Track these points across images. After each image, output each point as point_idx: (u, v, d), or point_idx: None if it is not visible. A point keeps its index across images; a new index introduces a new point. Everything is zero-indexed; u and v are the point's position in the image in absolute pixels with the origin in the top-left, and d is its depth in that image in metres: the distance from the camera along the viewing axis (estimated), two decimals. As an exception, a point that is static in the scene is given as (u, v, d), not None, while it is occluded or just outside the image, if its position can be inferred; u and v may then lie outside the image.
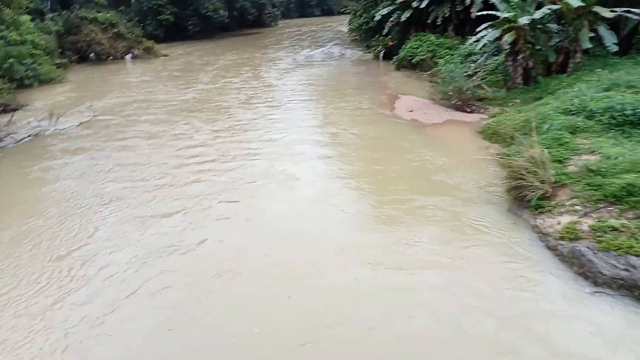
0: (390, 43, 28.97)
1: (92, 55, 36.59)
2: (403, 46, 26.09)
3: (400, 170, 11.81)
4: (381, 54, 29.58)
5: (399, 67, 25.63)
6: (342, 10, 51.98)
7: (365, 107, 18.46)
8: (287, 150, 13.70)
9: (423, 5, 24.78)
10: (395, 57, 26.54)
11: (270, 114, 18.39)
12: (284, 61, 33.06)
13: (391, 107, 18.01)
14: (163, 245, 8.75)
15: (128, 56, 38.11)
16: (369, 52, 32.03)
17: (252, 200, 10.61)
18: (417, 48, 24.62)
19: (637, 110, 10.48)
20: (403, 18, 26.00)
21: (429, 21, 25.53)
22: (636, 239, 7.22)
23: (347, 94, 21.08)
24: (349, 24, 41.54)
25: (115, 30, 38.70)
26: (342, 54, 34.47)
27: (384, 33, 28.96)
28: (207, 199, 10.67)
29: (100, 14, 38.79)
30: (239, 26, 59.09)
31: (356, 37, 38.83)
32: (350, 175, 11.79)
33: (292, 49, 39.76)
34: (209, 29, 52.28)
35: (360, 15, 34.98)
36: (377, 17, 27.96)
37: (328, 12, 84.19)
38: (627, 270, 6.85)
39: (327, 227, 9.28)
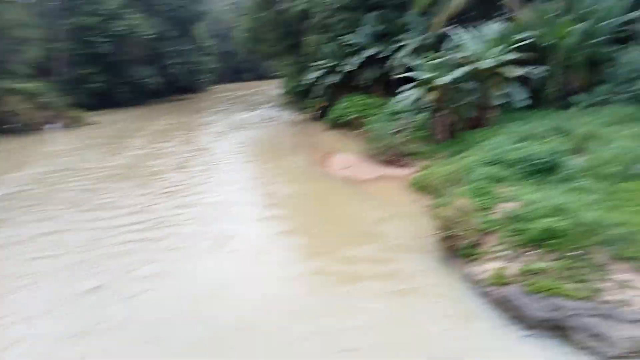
0: (323, 104, 30.04)
1: (13, 125, 34.88)
2: (335, 106, 27.12)
3: (336, 226, 11.99)
4: (314, 115, 30.53)
5: (332, 127, 26.47)
6: (274, 74, 53.64)
7: (301, 166, 18.74)
8: (222, 212, 13.52)
9: (352, 68, 26.15)
10: (328, 117, 27.46)
11: (205, 177, 18.21)
12: (219, 124, 33.26)
13: (326, 165, 18.41)
14: (87, 322, 8.13)
15: (53, 125, 36.69)
16: (303, 114, 32.99)
17: (185, 264, 10.30)
18: (348, 108, 25.64)
19: (548, 159, 11.32)
20: (333, 81, 27.20)
21: (357, 83, 26.87)
22: (559, 281, 7.60)
23: (283, 154, 21.39)
24: (282, 88, 42.87)
25: (40, 100, 37.38)
26: (277, 116, 35.26)
27: (316, 95, 30.06)
28: (133, 267, 10.24)
29: (21, 85, 37.41)
30: (171, 92, 59.10)
31: (290, 100, 39.98)
32: (287, 233, 11.81)
33: (226, 113, 40.18)
34: (140, 96, 51.86)
35: (293, 79, 36.27)
36: (309, 81, 29.08)
37: (261, 76, 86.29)
38: (554, 311, 7.13)
39: (263, 285, 9.22)
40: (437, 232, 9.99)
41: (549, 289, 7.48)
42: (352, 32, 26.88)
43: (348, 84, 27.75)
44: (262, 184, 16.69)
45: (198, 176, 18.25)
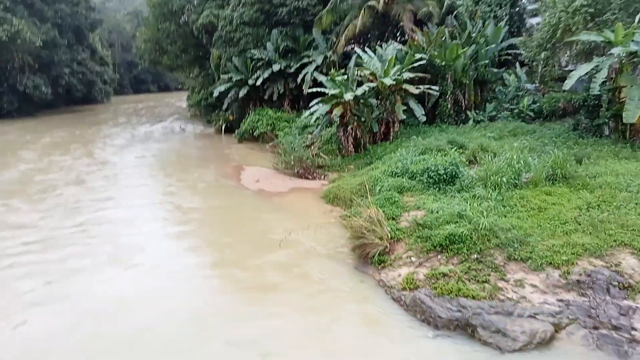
0: (231, 117, 29.70)
1: None
2: (244, 120, 26.94)
3: (249, 238, 11.87)
4: (223, 128, 30.06)
5: (241, 140, 26.24)
6: (180, 87, 52.03)
7: (211, 180, 18.29)
8: (126, 229, 12.74)
9: (259, 82, 26.19)
10: (237, 130, 27.18)
11: (107, 192, 17.01)
12: (121, 137, 31.38)
13: (237, 179, 18.14)
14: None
15: None
16: (211, 127, 32.33)
17: (84, 283, 9.58)
18: (257, 122, 25.61)
19: (447, 170, 12.19)
20: (241, 94, 27.04)
21: (265, 97, 26.98)
22: (463, 282, 8.16)
23: (191, 168, 20.73)
24: (188, 100, 41.67)
25: None
26: (183, 129, 34.12)
27: (223, 108, 29.64)
28: (26, 289, 9.23)
29: None
30: (66, 103, 54.70)
31: (196, 113, 38.99)
32: (198, 247, 11.53)
33: (129, 125, 38.07)
34: (29, 107, 47.22)
35: (199, 92, 35.47)
36: (216, 94, 28.62)
37: (165, 88, 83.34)
38: (459, 311, 7.63)
39: (168, 298, 8.88)
40: (350, 241, 10.27)
41: (454, 290, 8.01)
42: (258, 47, 27.02)
43: (256, 98, 27.76)
44: (170, 198, 15.98)
45: (99, 191, 17.01)
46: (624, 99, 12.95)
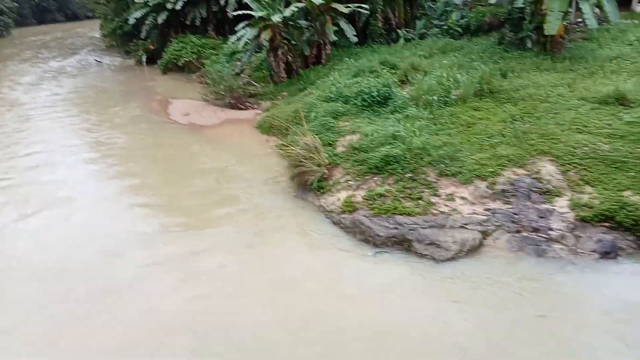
0: (151, 47, 27.66)
1: None
2: (166, 49, 25.21)
3: (183, 173, 11.59)
4: (144, 59, 28.03)
5: (165, 71, 24.71)
6: (91, 14, 47.34)
7: (137, 115, 17.30)
8: (48, 173, 12.00)
9: (178, 6, 24.27)
10: (159, 60, 25.49)
11: (20, 135, 15.68)
12: (31, 73, 28.51)
13: (165, 113, 17.28)
14: None
15: None
16: (130, 58, 30.02)
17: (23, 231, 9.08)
18: (180, 50, 24.06)
19: (380, 91, 12.21)
20: (160, 20, 25.06)
21: (187, 22, 25.18)
22: (399, 201, 8.49)
23: (114, 104, 19.43)
24: (101, 29, 38.15)
25: None
26: (100, 62, 31.47)
27: (142, 37, 27.44)
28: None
29: None
30: (-43, 38, 48.54)
31: (112, 43, 35.90)
32: (133, 188, 11.11)
33: (38, 60, 34.52)
34: None
35: (112, 20, 32.41)
36: (132, 21, 26.29)
37: (73, 17, 75.45)
38: (396, 228, 8.00)
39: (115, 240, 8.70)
40: (288, 170, 10.27)
41: (391, 209, 8.34)
42: (175, -35, 24.76)
43: (178, 24, 25.87)
44: (91, 137, 15.03)
45: (11, 134, 15.64)
46: (545, 11, 13.26)
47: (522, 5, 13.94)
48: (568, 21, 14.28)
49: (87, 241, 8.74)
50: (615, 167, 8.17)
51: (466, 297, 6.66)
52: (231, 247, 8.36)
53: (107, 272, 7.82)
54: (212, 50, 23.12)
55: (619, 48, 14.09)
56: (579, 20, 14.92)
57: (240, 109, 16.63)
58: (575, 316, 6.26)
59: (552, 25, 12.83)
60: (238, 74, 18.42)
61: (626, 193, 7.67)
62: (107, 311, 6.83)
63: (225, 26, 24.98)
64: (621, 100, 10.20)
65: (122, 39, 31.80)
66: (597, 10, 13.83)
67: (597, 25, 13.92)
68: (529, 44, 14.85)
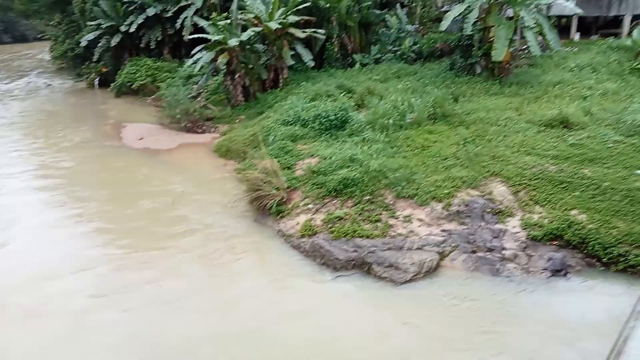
0: (104, 69, 27.00)
1: None
2: (119, 72, 24.67)
3: (136, 198, 11.23)
4: (96, 82, 27.29)
5: (119, 94, 24.12)
6: (40, 36, 45.83)
7: (88, 139, 16.71)
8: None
9: (132, 29, 23.87)
10: (112, 84, 24.88)
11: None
12: (-28, 97, 27.15)
13: (118, 137, 16.80)
14: None
15: None
16: (82, 81, 29.14)
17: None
18: (135, 73, 23.59)
19: (337, 115, 12.37)
20: (113, 43, 24.54)
21: (142, 45, 24.80)
22: (358, 223, 8.52)
23: (63, 127, 18.72)
24: (52, 51, 36.94)
25: None
26: (49, 84, 30.40)
27: (94, 59, 26.75)
28: None
29: None
30: None
31: (63, 66, 34.80)
32: (79, 213, 10.71)
33: (-19, 83, 32.98)
34: None
35: (63, 42, 31.46)
36: (84, 43, 25.61)
37: (22, 39, 72.80)
38: (355, 251, 8.00)
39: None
40: (246, 194, 10.14)
41: (350, 232, 8.35)
42: (129, -12, 24.48)
43: (132, 47, 25.42)
44: (40, 162, 14.38)
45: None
46: (492, 38, 13.93)
47: (470, 33, 14.59)
48: (514, 48, 15.05)
49: (21, 265, 8.45)
50: (562, 187, 8.54)
51: (418, 317, 6.74)
52: (181, 270, 8.18)
53: (38, 295, 7.55)
54: (168, 73, 22.79)
55: (561, 74, 14.92)
56: (524, 47, 15.76)
57: (197, 132, 16.40)
58: (518, 330, 6.41)
59: (499, 52, 13.47)
60: (195, 98, 18.23)
61: (573, 212, 8.01)
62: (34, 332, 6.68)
63: (181, 49, 24.79)
64: (565, 123, 10.76)
65: (74, 61, 30.86)
66: (540, 38, 14.66)
67: (540, 52, 14.75)
68: (478, 70, 15.51)
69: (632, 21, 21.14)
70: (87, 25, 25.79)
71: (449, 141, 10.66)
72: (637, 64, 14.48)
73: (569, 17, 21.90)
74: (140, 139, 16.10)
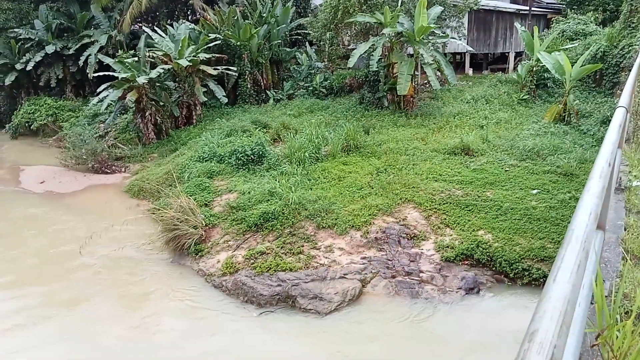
0: (-3, 109, 24.98)
1: None
2: (16, 112, 22.93)
3: (41, 251, 10.26)
4: (-13, 123, 25.09)
5: (15, 136, 22.36)
6: None
7: (-21, 187, 15.19)
8: None
9: (30, 67, 22.43)
10: (8, 125, 23.03)
11: None
12: None
13: (16, 181, 15.48)
14: None
15: None
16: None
17: None
18: (33, 113, 22.06)
19: (254, 150, 12.40)
20: (7, 82, 22.86)
21: (41, 83, 23.34)
22: (280, 257, 8.50)
23: (-52, 175, 16.87)
24: None
25: None
26: None
27: (-14, 99, 24.70)
28: None
29: None
30: None
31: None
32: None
33: None
34: None
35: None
36: (-27, 82, 23.62)
37: None
38: (279, 285, 7.94)
39: None
40: (162, 234, 9.74)
41: (273, 266, 8.29)
42: (24, 25, 23.13)
43: (30, 85, 23.88)
44: None
45: None
46: (396, 74, 14.87)
47: (376, 69, 15.48)
48: (416, 83, 16.17)
49: None
50: (469, 210, 9.18)
51: (340, 346, 6.77)
52: (103, 318, 7.56)
53: None
54: (71, 113, 21.61)
55: (459, 105, 16.22)
56: (426, 82, 16.98)
57: (106, 173, 15.57)
58: (433, 349, 6.68)
59: (403, 87, 14.39)
60: (102, 137, 17.41)
61: (480, 232, 8.61)
62: None
63: (85, 87, 23.70)
64: (466, 151, 11.66)
65: (-40, 101, 28.23)
66: (438, 73, 15.90)
67: (440, 86, 15.97)
68: (386, 103, 16.42)
69: (515, 57, 23.70)
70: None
71: (363, 171, 11.08)
72: (523, 95, 16.16)
73: (462, 54, 24.07)
74: (42, 183, 14.95)
